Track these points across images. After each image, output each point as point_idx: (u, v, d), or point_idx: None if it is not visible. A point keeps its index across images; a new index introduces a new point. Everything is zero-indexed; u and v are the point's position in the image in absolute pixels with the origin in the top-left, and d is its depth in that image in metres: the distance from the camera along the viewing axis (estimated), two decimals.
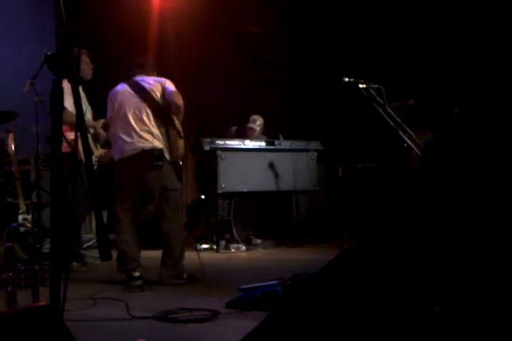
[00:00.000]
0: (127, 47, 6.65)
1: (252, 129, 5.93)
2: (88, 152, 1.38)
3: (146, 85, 3.70)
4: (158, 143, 3.62)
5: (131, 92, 3.70)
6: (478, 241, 1.19)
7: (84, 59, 4.23)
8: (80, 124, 1.36)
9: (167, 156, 3.64)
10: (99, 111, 4.59)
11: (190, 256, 3.83)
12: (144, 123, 3.64)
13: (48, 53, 1.33)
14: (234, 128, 6.03)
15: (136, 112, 3.65)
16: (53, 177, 1.38)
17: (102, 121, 4.57)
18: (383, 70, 5.61)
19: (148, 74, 3.81)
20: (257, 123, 5.94)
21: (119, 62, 6.61)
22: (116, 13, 6.51)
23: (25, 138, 4.49)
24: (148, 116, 3.65)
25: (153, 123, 3.65)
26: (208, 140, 5.22)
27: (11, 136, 4.31)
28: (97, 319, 2.65)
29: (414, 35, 6.01)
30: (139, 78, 3.77)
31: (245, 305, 2.70)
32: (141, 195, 3.70)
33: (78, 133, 1.34)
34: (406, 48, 6.05)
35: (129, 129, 3.64)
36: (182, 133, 3.77)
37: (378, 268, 1.13)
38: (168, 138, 3.67)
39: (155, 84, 3.70)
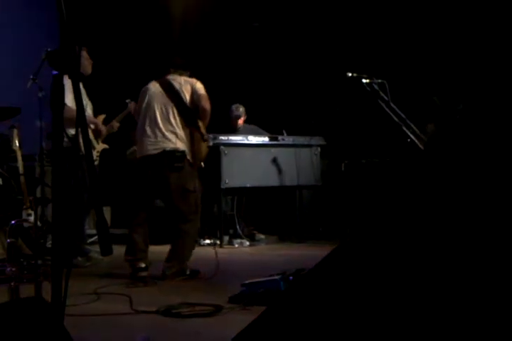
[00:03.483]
0: (128, 44, 6.66)
1: (236, 116, 5.79)
2: (89, 148, 1.39)
3: (177, 85, 3.71)
4: (181, 145, 3.63)
5: (161, 91, 3.71)
6: (480, 240, 1.19)
7: (84, 54, 4.24)
8: (80, 120, 1.37)
9: (189, 158, 3.65)
10: (99, 107, 4.61)
11: (194, 251, 3.85)
12: (170, 123, 3.65)
13: (49, 49, 1.34)
14: None
15: (164, 111, 3.67)
16: (55, 173, 1.39)
17: (103, 116, 4.60)
18: (387, 65, 5.59)
19: (181, 74, 3.81)
20: (241, 109, 5.83)
21: (121, 57, 6.64)
22: (117, 10, 6.52)
23: (30, 133, 4.51)
24: (174, 116, 3.66)
25: (178, 124, 3.66)
26: (211, 135, 5.22)
27: (15, 131, 4.33)
28: (101, 313, 2.67)
29: (419, 31, 5.98)
30: (170, 77, 3.78)
31: (248, 300, 2.71)
32: (157, 193, 3.74)
33: (79, 129, 1.35)
34: (411, 44, 6.02)
35: (154, 128, 3.66)
36: (206, 137, 3.77)
37: (374, 262, 1.13)
38: (191, 140, 3.68)
39: (185, 85, 3.71)
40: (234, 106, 5.86)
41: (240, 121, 5.88)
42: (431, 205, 1.30)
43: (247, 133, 5.69)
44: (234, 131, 5.81)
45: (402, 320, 1.13)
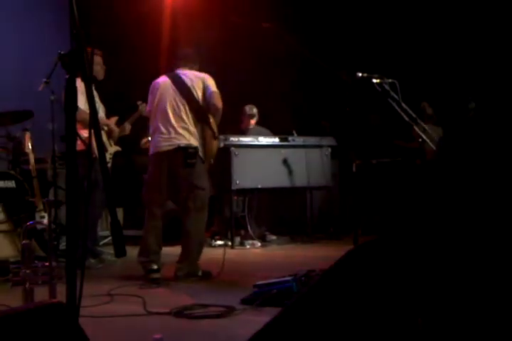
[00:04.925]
0: (139, 47, 6.69)
1: (251, 115, 5.77)
2: (102, 150, 1.40)
3: (188, 81, 3.69)
4: (194, 141, 3.63)
5: (173, 87, 3.69)
6: (494, 241, 1.18)
7: (98, 60, 4.26)
8: (93, 122, 1.37)
9: (201, 154, 3.65)
10: (111, 110, 4.63)
11: (206, 252, 3.85)
12: (182, 120, 3.64)
13: (62, 52, 1.35)
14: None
15: (175, 108, 3.65)
16: (68, 175, 1.40)
17: (115, 118, 4.61)
18: (398, 65, 5.56)
19: (191, 68, 3.79)
20: (254, 110, 5.82)
21: (131, 61, 6.67)
22: (128, 12, 6.55)
23: (42, 136, 4.55)
24: (186, 113, 3.65)
25: (190, 120, 3.65)
26: (221, 137, 5.22)
27: (27, 134, 4.37)
28: (114, 315, 2.68)
29: (430, 30, 5.94)
30: (180, 72, 3.75)
31: (260, 301, 2.71)
32: (169, 190, 3.72)
33: (92, 131, 1.35)
34: (422, 43, 5.98)
35: (167, 124, 3.65)
36: (217, 134, 3.76)
37: (388, 266, 1.13)
38: (203, 137, 3.67)
39: (196, 80, 3.68)
40: (247, 107, 5.85)
41: (252, 122, 5.87)
42: (446, 208, 1.29)
43: (257, 134, 5.68)
44: (244, 131, 5.80)
45: (415, 322, 1.12)
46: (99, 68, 4.28)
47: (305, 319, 1.13)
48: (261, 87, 6.64)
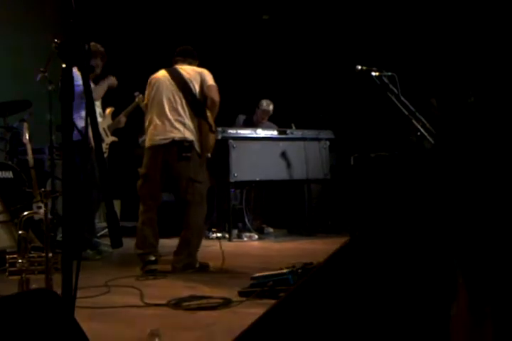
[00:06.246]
0: (136, 34, 6.65)
1: (266, 112, 5.85)
2: (98, 140, 1.39)
3: (186, 75, 3.69)
4: (189, 135, 3.62)
5: (170, 80, 3.70)
6: (490, 235, 1.17)
7: (102, 54, 4.25)
8: (90, 112, 1.36)
9: (197, 148, 3.65)
10: (107, 100, 4.61)
11: (203, 244, 3.86)
12: (178, 113, 3.64)
13: (58, 41, 1.34)
14: (242, 117, 5.99)
15: (172, 101, 3.66)
16: (65, 166, 1.39)
17: (111, 109, 4.60)
18: (397, 58, 5.54)
19: (190, 64, 3.81)
20: (271, 107, 5.88)
21: (128, 49, 6.63)
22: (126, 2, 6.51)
23: (40, 127, 4.54)
24: (183, 106, 3.65)
25: (187, 114, 3.65)
26: (219, 129, 5.21)
27: (25, 125, 4.35)
28: (111, 306, 2.68)
29: (430, 23, 5.92)
30: (179, 66, 3.77)
31: (257, 294, 2.72)
32: (165, 183, 3.73)
33: (88, 121, 1.34)
34: (422, 36, 5.96)
35: (162, 117, 3.65)
36: (214, 128, 3.75)
37: (384, 257, 1.12)
38: (199, 131, 3.67)
39: (194, 75, 3.70)
40: (265, 102, 5.87)
41: (266, 118, 5.91)
42: (440, 201, 1.28)
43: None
44: (255, 125, 5.80)
45: (411, 316, 1.12)
46: (101, 63, 4.26)
47: (300, 311, 1.13)
48: (259, 79, 6.62)
